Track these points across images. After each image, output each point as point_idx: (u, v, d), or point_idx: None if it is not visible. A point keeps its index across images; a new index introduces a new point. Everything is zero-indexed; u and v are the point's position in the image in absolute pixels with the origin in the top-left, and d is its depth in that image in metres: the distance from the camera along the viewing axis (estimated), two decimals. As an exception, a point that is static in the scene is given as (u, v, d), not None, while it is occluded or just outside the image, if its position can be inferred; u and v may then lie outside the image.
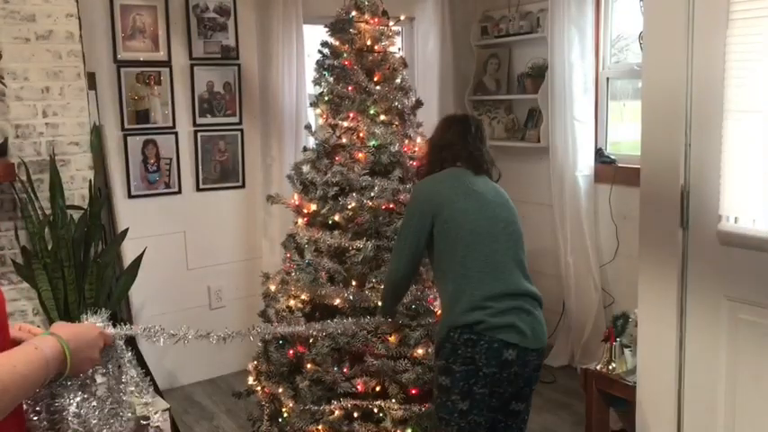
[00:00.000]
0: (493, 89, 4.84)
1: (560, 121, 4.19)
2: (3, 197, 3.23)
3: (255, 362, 3.11)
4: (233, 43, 4.20)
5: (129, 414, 1.42)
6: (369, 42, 2.96)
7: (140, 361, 1.86)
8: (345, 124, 2.94)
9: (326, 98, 3.01)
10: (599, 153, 4.18)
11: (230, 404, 3.87)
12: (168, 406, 3.33)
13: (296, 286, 2.91)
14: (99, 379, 1.37)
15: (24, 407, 1.29)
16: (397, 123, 2.99)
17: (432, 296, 2.84)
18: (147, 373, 3.53)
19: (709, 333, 2.36)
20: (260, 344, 3.09)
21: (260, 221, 4.36)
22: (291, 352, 2.89)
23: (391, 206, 2.85)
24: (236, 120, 4.26)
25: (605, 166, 4.13)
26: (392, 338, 2.76)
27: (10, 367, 1.11)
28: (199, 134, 4.15)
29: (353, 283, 2.83)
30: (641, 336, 2.60)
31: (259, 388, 3.04)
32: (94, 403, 1.35)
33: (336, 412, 2.73)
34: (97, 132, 3.63)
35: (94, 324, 1.38)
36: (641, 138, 2.49)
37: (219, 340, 1.77)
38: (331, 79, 3.00)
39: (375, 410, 2.75)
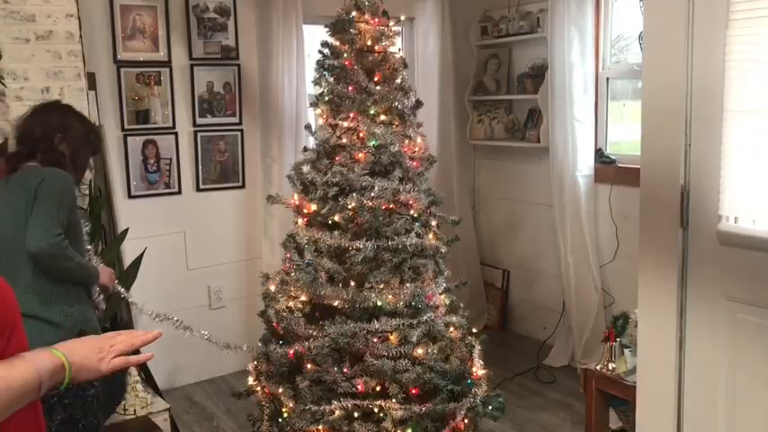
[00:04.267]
0: (493, 89, 4.84)
1: (560, 122, 4.19)
2: (3, 197, 3.22)
3: (255, 362, 3.10)
4: (233, 43, 4.20)
5: None
6: (369, 42, 2.96)
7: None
8: (345, 124, 2.94)
9: (326, 98, 3.01)
10: (599, 153, 4.18)
11: (230, 404, 3.87)
12: (168, 406, 3.33)
13: (295, 286, 2.91)
14: None
15: None
16: (397, 123, 2.98)
17: (430, 292, 2.84)
18: (147, 373, 3.55)
19: (709, 333, 2.36)
20: (260, 344, 3.09)
21: (260, 221, 4.36)
22: (291, 352, 2.89)
23: (391, 206, 2.85)
24: (236, 120, 4.26)
25: (605, 167, 4.13)
26: (392, 337, 2.76)
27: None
28: (199, 134, 4.15)
29: (353, 283, 2.83)
30: (641, 336, 2.60)
31: (259, 388, 3.03)
32: None
33: (336, 412, 2.72)
34: (97, 132, 3.62)
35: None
36: (641, 138, 2.48)
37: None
38: (331, 79, 2.99)
39: (375, 410, 2.74)
